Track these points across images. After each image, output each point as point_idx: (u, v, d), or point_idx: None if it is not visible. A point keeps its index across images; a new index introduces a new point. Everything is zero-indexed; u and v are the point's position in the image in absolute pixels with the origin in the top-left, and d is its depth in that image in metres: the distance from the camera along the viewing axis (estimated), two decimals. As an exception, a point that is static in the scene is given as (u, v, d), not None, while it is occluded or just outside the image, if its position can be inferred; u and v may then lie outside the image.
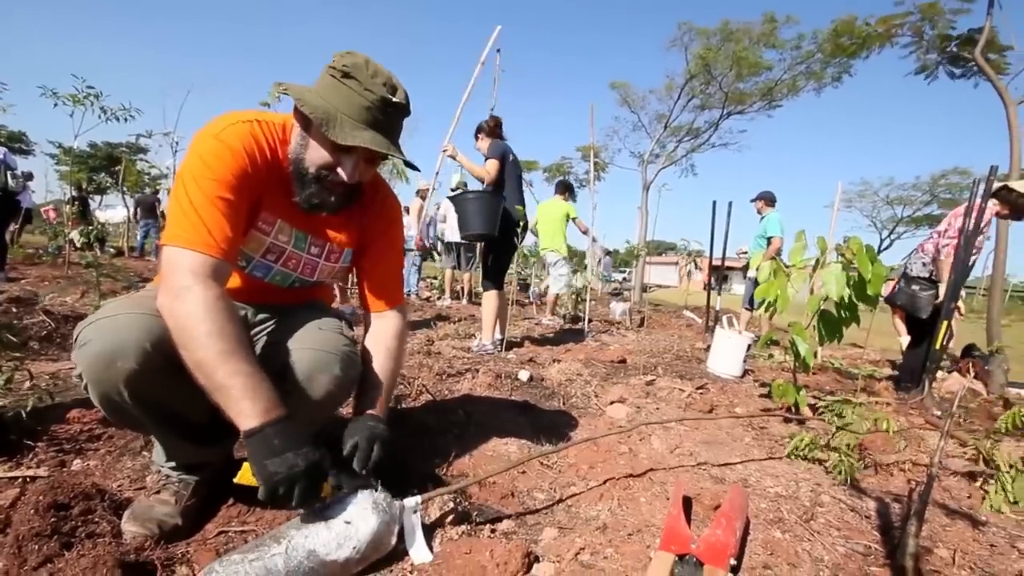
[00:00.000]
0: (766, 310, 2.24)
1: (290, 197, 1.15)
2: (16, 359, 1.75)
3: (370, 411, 1.16)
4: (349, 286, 4.78)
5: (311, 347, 1.11)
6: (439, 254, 6.92)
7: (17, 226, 10.32)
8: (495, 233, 3.31)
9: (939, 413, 2.76)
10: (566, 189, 5.99)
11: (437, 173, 4.42)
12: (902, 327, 3.85)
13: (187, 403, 1.05)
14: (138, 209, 11.86)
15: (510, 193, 3.46)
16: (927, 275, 3.62)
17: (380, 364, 1.24)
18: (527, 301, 8.57)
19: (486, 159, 3.42)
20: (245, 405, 0.90)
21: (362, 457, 1.05)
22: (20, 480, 1.15)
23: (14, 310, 3.01)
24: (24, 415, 1.42)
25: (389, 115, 1.10)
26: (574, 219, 5.85)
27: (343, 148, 1.07)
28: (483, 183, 3.40)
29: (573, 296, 6.34)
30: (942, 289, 3.35)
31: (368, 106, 1.06)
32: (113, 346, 0.94)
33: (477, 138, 3.57)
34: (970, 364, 3.88)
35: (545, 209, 5.86)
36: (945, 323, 3.23)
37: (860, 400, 2.08)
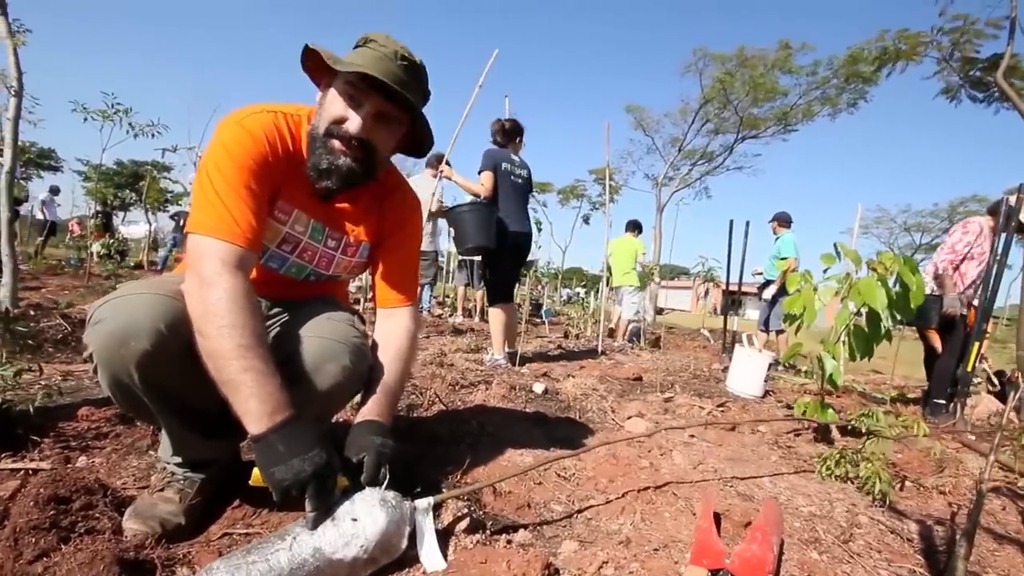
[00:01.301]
0: (792, 323, 2.16)
1: (309, 187, 1.13)
2: (29, 359, 1.75)
3: (376, 418, 1.11)
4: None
5: (320, 335, 1.08)
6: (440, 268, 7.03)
7: (42, 239, 10.59)
8: (492, 245, 3.28)
9: (974, 436, 2.63)
10: (636, 227, 6.65)
11: (433, 194, 4.41)
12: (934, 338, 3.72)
13: (198, 391, 1.01)
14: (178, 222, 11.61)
15: (505, 204, 3.40)
16: (928, 291, 3.54)
17: (389, 365, 1.19)
18: (539, 321, 8.50)
19: (479, 172, 3.41)
20: (252, 405, 0.88)
21: (370, 476, 0.99)
22: (22, 472, 1.12)
23: (32, 313, 3.03)
24: (32, 410, 1.39)
25: (402, 68, 1.06)
26: (643, 254, 6.50)
27: (353, 97, 1.05)
28: (479, 198, 3.39)
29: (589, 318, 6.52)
30: (946, 300, 3.31)
31: (379, 56, 1.05)
32: (127, 325, 0.91)
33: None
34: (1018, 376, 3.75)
35: (619, 245, 6.50)
36: (977, 344, 3.12)
37: (891, 399, 1.97)
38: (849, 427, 2.14)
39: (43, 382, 1.77)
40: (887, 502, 1.53)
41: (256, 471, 0.92)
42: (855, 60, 11.87)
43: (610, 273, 6.59)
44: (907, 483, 1.75)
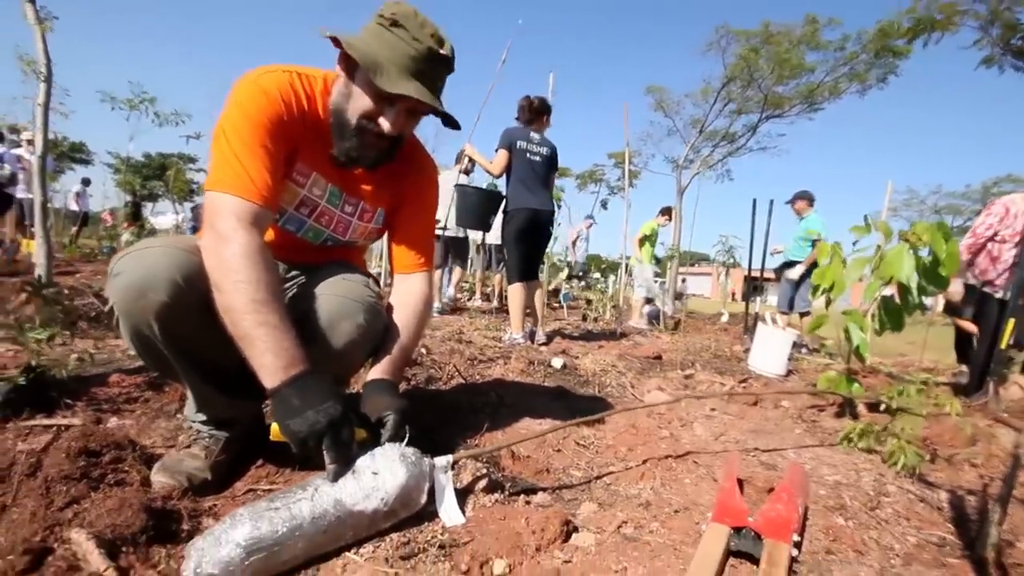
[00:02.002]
0: (818, 296, 2.10)
1: (327, 151, 1.13)
2: (65, 334, 1.81)
3: (388, 377, 1.13)
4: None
5: (336, 294, 1.09)
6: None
7: (76, 228, 10.93)
8: (483, 228, 3.36)
9: (1007, 414, 2.54)
10: (660, 211, 6.90)
11: (455, 164, 4.50)
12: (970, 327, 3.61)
13: (217, 347, 1.03)
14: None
15: (521, 182, 3.38)
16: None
17: (403, 327, 1.20)
18: (558, 305, 8.47)
19: (495, 149, 3.42)
20: (268, 359, 0.89)
21: (392, 433, 1.01)
22: (55, 428, 1.16)
23: (66, 292, 3.13)
24: (65, 375, 1.43)
25: (434, 67, 1.07)
26: (654, 230, 6.75)
27: (387, 97, 1.05)
28: (493, 176, 3.44)
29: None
30: (952, 284, 3.15)
31: (415, 55, 1.03)
32: (144, 278, 0.93)
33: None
34: None
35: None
36: (1011, 322, 3.00)
37: (920, 381, 1.90)
38: (879, 404, 2.08)
39: (76, 352, 1.83)
40: (916, 472, 1.49)
41: (275, 426, 0.93)
42: (885, 34, 11.35)
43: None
44: (937, 457, 1.70)
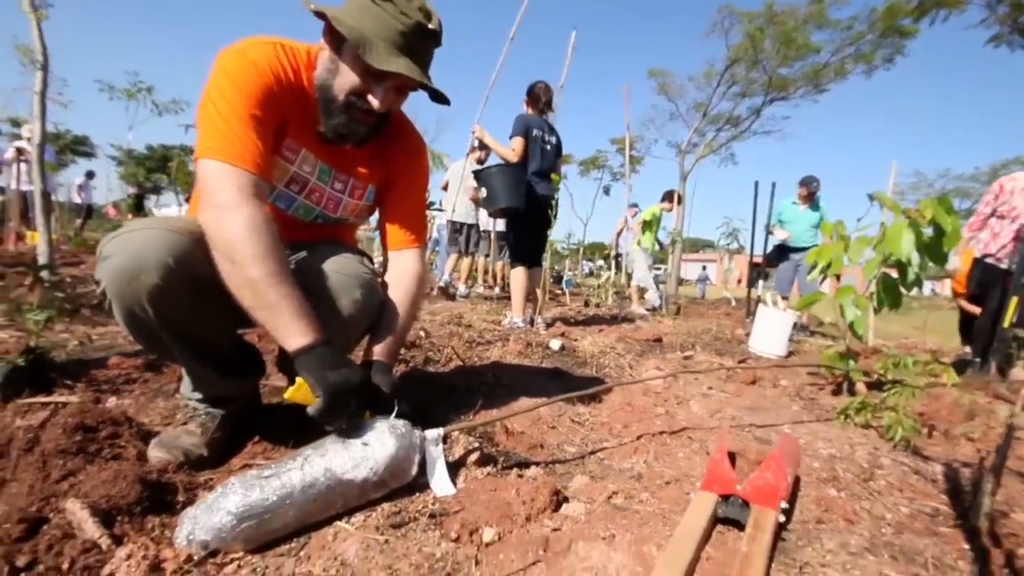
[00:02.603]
0: (819, 273, 2.08)
1: (315, 127, 1.13)
2: (67, 321, 1.82)
3: (382, 358, 1.14)
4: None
5: (331, 270, 1.09)
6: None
7: (80, 220, 10.99)
8: (522, 207, 3.26)
9: (1007, 392, 2.53)
10: (663, 196, 6.85)
11: (467, 154, 4.41)
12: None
13: (211, 327, 1.04)
14: None
15: (533, 169, 3.38)
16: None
17: (398, 305, 1.20)
18: (560, 291, 8.47)
19: (510, 137, 3.37)
20: (299, 324, 0.92)
21: (385, 407, 1.03)
22: (52, 405, 1.17)
23: (68, 280, 3.16)
24: (64, 357, 1.45)
25: (423, 42, 1.06)
26: (656, 215, 6.69)
27: (375, 74, 1.04)
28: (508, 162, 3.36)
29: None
30: (953, 263, 3.32)
31: (403, 30, 1.02)
32: (136, 260, 0.93)
33: (525, 98, 3.51)
34: None
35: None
36: (1015, 299, 2.98)
37: (918, 360, 1.89)
38: (876, 379, 2.07)
39: (76, 336, 1.85)
40: (910, 445, 1.49)
41: (298, 383, 0.93)
42: (893, 13, 11.14)
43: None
44: (935, 432, 1.69)
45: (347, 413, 0.94)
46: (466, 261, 6.22)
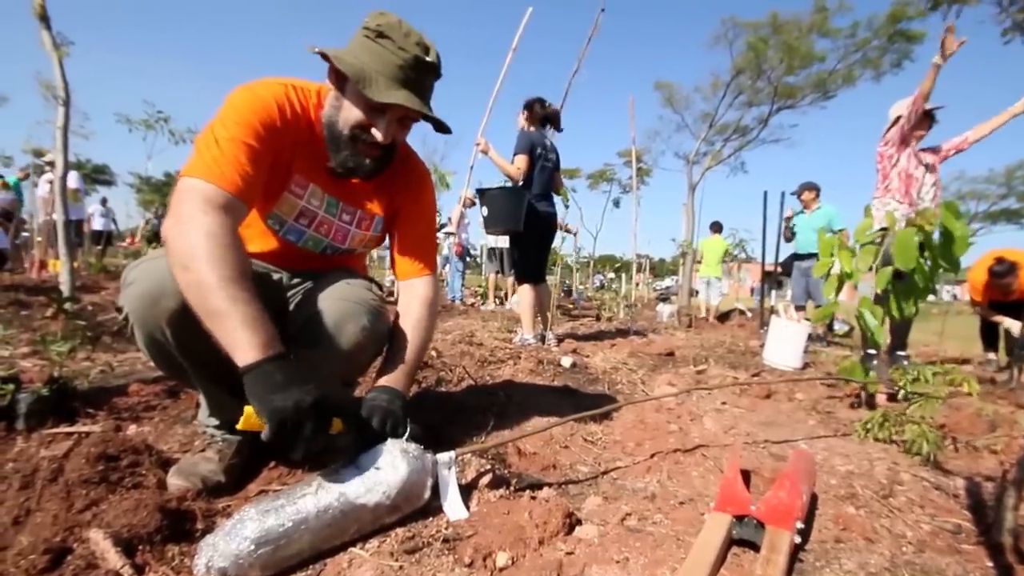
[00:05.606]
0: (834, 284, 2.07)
1: (323, 163, 1.16)
2: (89, 349, 1.87)
3: (390, 384, 1.12)
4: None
5: (339, 298, 1.12)
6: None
7: (100, 248, 11.28)
8: (520, 229, 3.29)
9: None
10: (718, 228, 8.56)
11: (472, 168, 4.47)
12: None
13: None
14: None
15: (536, 186, 3.39)
16: None
17: (407, 334, 1.21)
18: (571, 306, 8.46)
19: (513, 155, 3.39)
20: (244, 336, 0.84)
21: (375, 430, 1.01)
22: (75, 435, 1.20)
23: (89, 308, 3.24)
24: (86, 384, 1.49)
25: (422, 74, 1.10)
26: (731, 252, 8.75)
27: (377, 107, 1.07)
28: (512, 180, 3.38)
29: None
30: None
31: (401, 64, 1.06)
32: (157, 286, 0.96)
33: (521, 113, 3.50)
34: None
35: (709, 245, 8.58)
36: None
37: (938, 369, 1.86)
38: (896, 394, 2.04)
39: (98, 364, 1.90)
40: (931, 459, 1.46)
41: (246, 413, 0.86)
42: (897, 18, 11.14)
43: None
44: (957, 445, 1.66)
45: (302, 439, 0.84)
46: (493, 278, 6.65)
